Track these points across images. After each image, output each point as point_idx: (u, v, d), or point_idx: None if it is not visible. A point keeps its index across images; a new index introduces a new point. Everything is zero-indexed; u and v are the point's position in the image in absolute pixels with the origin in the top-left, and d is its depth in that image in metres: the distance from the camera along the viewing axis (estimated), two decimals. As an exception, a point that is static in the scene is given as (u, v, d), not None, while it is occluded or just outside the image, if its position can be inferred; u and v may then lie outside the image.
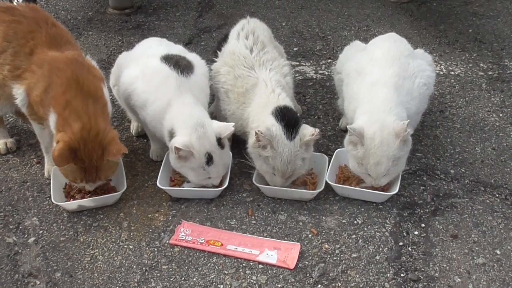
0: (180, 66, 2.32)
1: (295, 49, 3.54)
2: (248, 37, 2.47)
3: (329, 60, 3.41)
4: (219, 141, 2.19)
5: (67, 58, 2.20)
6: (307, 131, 2.17)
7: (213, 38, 3.70)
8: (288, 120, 2.14)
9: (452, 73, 3.19)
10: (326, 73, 3.26)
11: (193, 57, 2.50)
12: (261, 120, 2.20)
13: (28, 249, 2.07)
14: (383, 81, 2.28)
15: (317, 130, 2.17)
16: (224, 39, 2.79)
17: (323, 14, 4.04)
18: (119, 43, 3.65)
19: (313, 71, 3.29)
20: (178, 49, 2.55)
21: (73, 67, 2.17)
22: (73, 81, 2.13)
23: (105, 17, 3.98)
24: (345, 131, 2.64)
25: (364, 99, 2.25)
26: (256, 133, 2.11)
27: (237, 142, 2.51)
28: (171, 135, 2.19)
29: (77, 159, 2.05)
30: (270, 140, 2.09)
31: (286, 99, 2.27)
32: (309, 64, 3.37)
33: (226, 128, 2.20)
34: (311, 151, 2.24)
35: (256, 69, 2.36)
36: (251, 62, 2.38)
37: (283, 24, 3.90)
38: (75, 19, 3.95)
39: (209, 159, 2.16)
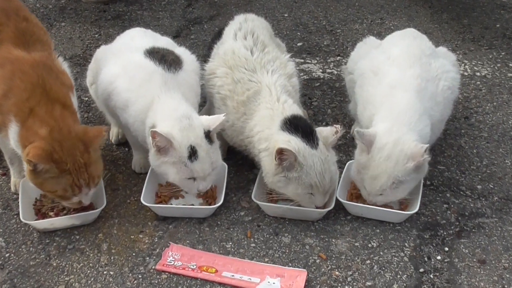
0: (167, 61, 2.33)
1: (299, 44, 3.57)
2: (246, 38, 2.49)
3: (338, 57, 3.43)
4: (208, 135, 2.18)
5: (34, 60, 2.20)
6: (328, 132, 2.18)
7: (204, 31, 3.72)
8: (302, 128, 2.15)
9: (478, 74, 3.22)
10: (335, 72, 3.28)
11: (182, 52, 2.51)
12: (271, 139, 2.19)
13: (-7, 275, 2.07)
14: (403, 83, 2.30)
15: (338, 126, 2.19)
16: (218, 35, 2.80)
17: (330, 4, 4.06)
18: (96, 36, 3.65)
19: (320, 70, 3.30)
20: (164, 42, 2.56)
21: (39, 71, 2.17)
22: (39, 87, 2.13)
23: (79, 6, 3.99)
24: (356, 139, 2.67)
25: (382, 105, 2.27)
26: (275, 155, 2.09)
27: (233, 153, 2.53)
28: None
29: (56, 163, 2.04)
30: (295, 154, 2.08)
31: (293, 106, 2.29)
32: (316, 61, 3.39)
33: (215, 120, 2.20)
34: (334, 153, 2.24)
35: (258, 72, 2.37)
36: (253, 64, 2.39)
37: (285, 15, 3.92)
38: (45, 7, 3.95)
39: (193, 153, 2.14)
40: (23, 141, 2.09)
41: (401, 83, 2.31)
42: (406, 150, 2.11)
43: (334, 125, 2.20)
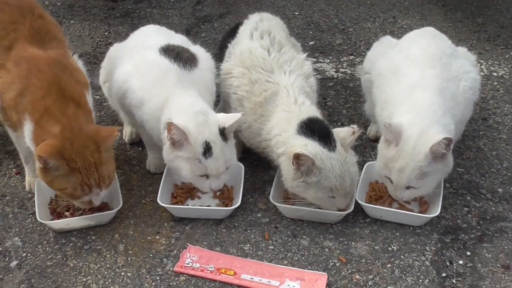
0: (182, 58, 2.32)
1: (311, 43, 3.55)
2: (263, 37, 2.47)
3: (351, 56, 3.42)
4: (223, 132, 2.17)
5: (50, 58, 2.19)
6: (345, 133, 2.17)
7: (214, 29, 3.71)
8: (319, 131, 2.14)
9: (495, 74, 3.21)
10: (349, 71, 3.27)
11: (197, 50, 2.50)
12: (288, 143, 2.18)
13: (11, 275, 2.06)
14: (424, 83, 2.29)
15: (355, 126, 2.17)
16: (230, 34, 2.79)
17: (342, 2, 4.05)
18: (106, 33, 3.64)
19: (334, 69, 3.29)
20: (179, 40, 2.55)
21: (55, 69, 2.16)
22: (54, 85, 2.13)
23: (88, 3, 3.97)
24: (374, 140, 2.66)
25: (402, 104, 2.26)
26: (292, 160, 2.08)
27: (248, 153, 2.51)
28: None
29: (66, 161, 2.03)
30: (312, 159, 2.06)
31: (310, 108, 2.28)
32: (329, 61, 3.38)
33: (232, 117, 2.19)
34: (354, 153, 2.22)
35: (275, 72, 2.35)
36: (270, 64, 2.38)
37: (296, 13, 3.91)
38: (54, 5, 3.94)
39: (207, 150, 2.13)
40: (36, 139, 2.09)
41: (421, 83, 2.30)
42: (428, 141, 2.10)
43: (351, 126, 2.19)
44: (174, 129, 2.07)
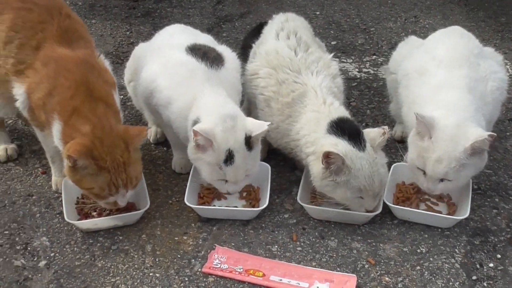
0: (209, 58, 2.32)
1: (333, 43, 3.55)
2: (289, 38, 2.47)
3: (374, 56, 3.42)
4: (248, 141, 2.16)
5: (78, 58, 2.20)
6: (375, 134, 2.16)
7: (235, 29, 3.71)
8: (349, 131, 2.14)
9: (520, 74, 3.19)
10: (372, 71, 3.26)
11: (223, 49, 2.50)
12: (318, 142, 2.18)
13: (40, 274, 2.07)
14: (452, 83, 2.28)
15: (386, 127, 2.17)
16: (253, 34, 2.79)
17: (363, 1, 4.05)
18: (127, 33, 3.66)
19: (356, 69, 3.29)
20: (205, 39, 2.55)
21: (83, 69, 2.17)
22: (82, 85, 2.14)
23: (109, 3, 3.99)
24: (399, 141, 2.65)
25: (430, 103, 2.24)
26: (322, 158, 2.08)
27: (274, 153, 2.51)
28: (195, 123, 2.16)
29: (96, 160, 2.04)
30: (342, 157, 2.06)
31: (339, 109, 2.27)
32: (351, 60, 3.38)
33: (259, 126, 2.18)
34: (384, 155, 2.22)
35: (302, 73, 2.35)
36: (297, 65, 2.37)
37: (317, 13, 3.91)
38: (75, 4, 3.96)
39: (229, 158, 2.13)
40: (65, 138, 2.10)
41: (449, 83, 2.29)
42: (469, 134, 2.09)
43: (382, 127, 2.18)
44: (199, 136, 2.08)
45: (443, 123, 2.12)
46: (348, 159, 2.08)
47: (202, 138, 2.09)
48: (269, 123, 2.20)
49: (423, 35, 3.00)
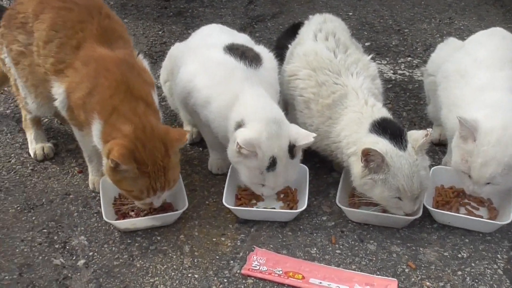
0: (248, 57, 2.32)
1: (366, 44, 3.52)
2: (328, 39, 2.46)
3: (409, 58, 3.39)
4: (291, 149, 2.16)
5: (117, 58, 2.21)
6: (417, 135, 2.14)
7: (268, 29, 3.70)
8: (392, 131, 2.12)
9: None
10: (407, 73, 3.23)
11: (261, 49, 2.50)
12: (359, 142, 2.16)
13: (79, 273, 2.08)
14: (494, 85, 2.26)
15: (430, 130, 2.14)
16: (288, 34, 2.78)
17: (396, 2, 4.02)
18: (160, 32, 3.67)
19: (391, 71, 3.26)
20: (243, 39, 2.55)
21: (122, 69, 2.18)
22: (122, 84, 2.15)
23: (140, 2, 4.01)
24: (436, 144, 2.63)
25: (472, 105, 2.22)
26: (361, 156, 2.07)
27: (310, 155, 2.50)
28: (239, 126, 2.16)
29: (138, 164, 2.04)
30: (382, 155, 2.05)
31: (382, 110, 2.26)
32: (386, 62, 3.35)
33: (305, 137, 2.17)
34: (427, 159, 2.19)
35: (342, 74, 2.34)
36: (337, 66, 2.36)
37: (350, 14, 3.88)
38: (107, 4, 3.95)
39: (272, 165, 2.13)
40: (105, 137, 2.11)
41: (492, 85, 2.27)
42: None
43: (427, 129, 2.16)
44: (244, 147, 2.08)
45: (488, 126, 2.09)
46: (388, 157, 2.07)
47: (247, 148, 2.09)
48: (315, 134, 2.19)
49: (459, 37, 2.97)
